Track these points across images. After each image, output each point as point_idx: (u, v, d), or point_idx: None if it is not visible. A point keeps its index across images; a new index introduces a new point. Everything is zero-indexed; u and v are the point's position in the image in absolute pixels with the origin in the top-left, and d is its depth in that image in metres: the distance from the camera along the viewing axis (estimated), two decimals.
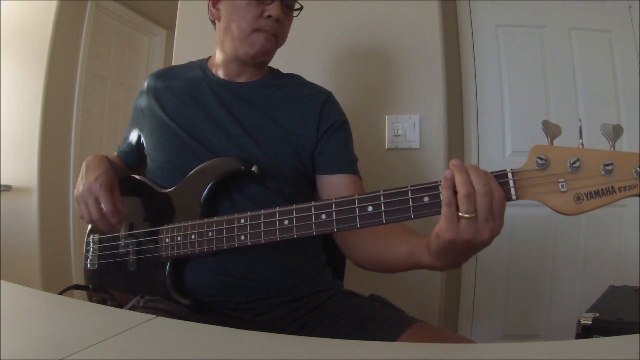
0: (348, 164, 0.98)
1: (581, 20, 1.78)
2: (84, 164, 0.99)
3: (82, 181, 0.95)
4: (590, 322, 1.02)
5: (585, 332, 1.02)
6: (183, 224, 0.85)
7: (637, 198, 0.56)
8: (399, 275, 1.49)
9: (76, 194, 0.94)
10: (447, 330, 0.89)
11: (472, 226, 0.60)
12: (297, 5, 1.00)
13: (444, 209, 0.61)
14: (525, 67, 1.78)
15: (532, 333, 1.78)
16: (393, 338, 0.76)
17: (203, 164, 0.89)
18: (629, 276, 1.61)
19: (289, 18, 0.99)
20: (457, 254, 0.65)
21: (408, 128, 1.48)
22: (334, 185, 0.95)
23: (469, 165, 0.62)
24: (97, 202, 0.90)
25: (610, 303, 1.18)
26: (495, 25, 1.80)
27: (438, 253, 0.66)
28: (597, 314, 1.03)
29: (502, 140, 1.79)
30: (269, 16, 0.91)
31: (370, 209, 0.66)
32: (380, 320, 0.82)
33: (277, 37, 0.95)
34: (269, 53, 0.97)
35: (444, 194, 0.61)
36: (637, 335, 0.50)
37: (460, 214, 0.60)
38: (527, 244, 1.78)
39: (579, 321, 1.03)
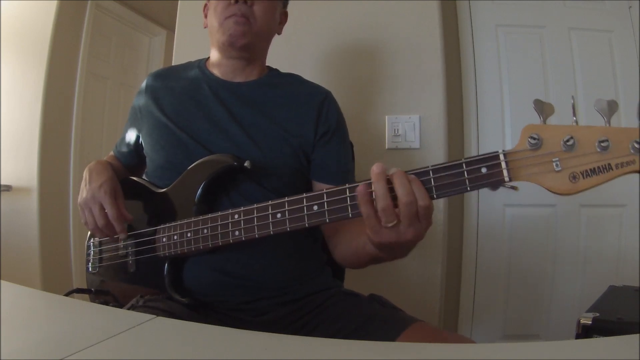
0: (343, 175, 0.98)
1: (581, 20, 1.78)
2: (86, 170, 0.98)
3: (85, 187, 0.95)
4: (590, 322, 1.02)
5: (585, 332, 1.02)
6: (179, 223, 0.85)
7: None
8: (399, 275, 1.49)
9: (80, 200, 0.95)
10: (447, 330, 0.89)
11: (394, 232, 0.62)
12: None
13: (365, 221, 0.63)
14: (525, 67, 1.78)
15: (532, 333, 1.78)
16: (393, 338, 0.76)
17: (197, 162, 0.89)
18: (629, 276, 1.61)
19: (264, 2, 0.97)
20: (393, 250, 0.68)
21: (408, 128, 1.48)
22: None
23: (395, 171, 0.62)
24: (102, 209, 0.91)
25: (610, 303, 1.18)
26: (495, 25, 1.81)
27: (376, 248, 0.69)
28: (597, 314, 1.03)
29: (502, 140, 1.79)
30: (236, 1, 0.93)
31: None
32: (380, 321, 0.82)
33: (249, 18, 0.94)
34: (244, 36, 0.94)
35: (363, 211, 0.63)
36: (637, 335, 0.50)
37: (381, 223, 0.62)
38: (527, 244, 1.78)
39: (579, 321, 1.03)
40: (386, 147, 1.50)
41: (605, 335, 0.95)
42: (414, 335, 0.76)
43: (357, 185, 0.65)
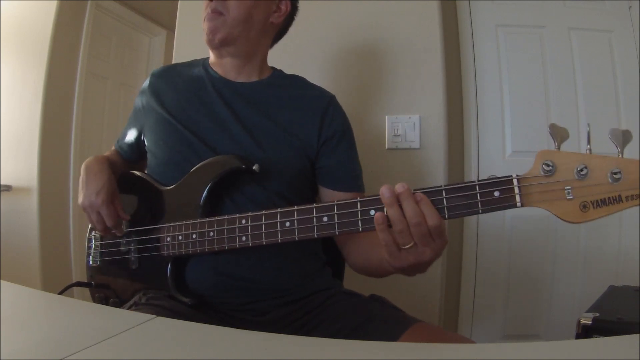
0: (353, 180, 0.99)
1: (581, 20, 1.78)
2: (83, 168, 0.98)
3: (82, 190, 0.95)
4: (590, 322, 1.02)
5: (585, 332, 1.02)
6: (184, 223, 0.85)
7: None
8: (399, 275, 1.49)
9: (79, 202, 0.95)
10: (447, 330, 0.89)
11: (412, 253, 0.64)
12: None
13: (384, 246, 0.65)
14: (525, 67, 1.78)
15: (532, 333, 1.78)
16: (393, 338, 0.76)
17: (204, 162, 0.89)
18: (629, 276, 1.60)
19: None
20: (412, 269, 0.69)
21: (408, 128, 1.48)
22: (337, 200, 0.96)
23: (403, 191, 0.62)
24: (100, 216, 0.92)
25: (610, 303, 1.18)
26: (495, 25, 1.80)
27: (395, 270, 0.70)
28: (597, 314, 1.03)
29: (502, 140, 1.78)
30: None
31: (372, 212, 0.66)
32: (380, 321, 0.82)
33: (222, 12, 0.93)
34: (217, 30, 0.94)
35: (380, 237, 0.64)
36: (637, 335, 0.50)
37: (399, 247, 0.64)
38: (527, 245, 1.78)
39: (579, 321, 1.03)
40: (386, 147, 1.50)
41: (605, 335, 0.95)
42: (415, 336, 0.76)
43: (369, 200, 0.66)
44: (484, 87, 1.79)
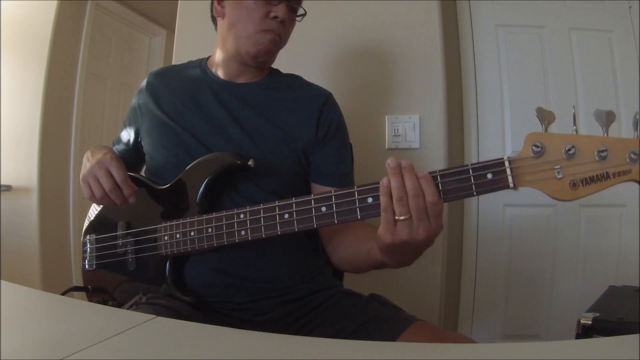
0: (340, 177, 0.98)
1: (581, 20, 1.78)
2: (87, 151, 0.95)
3: (88, 162, 0.90)
4: (590, 322, 1.02)
5: (585, 332, 1.02)
6: (182, 221, 0.85)
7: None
8: (399, 274, 1.49)
9: (83, 172, 0.90)
10: (447, 329, 0.89)
11: (407, 227, 0.63)
12: (300, 11, 1.00)
13: (382, 214, 0.64)
14: (525, 67, 1.78)
15: (532, 333, 1.78)
16: (393, 337, 0.76)
17: (198, 160, 0.89)
18: (629, 276, 1.61)
19: (292, 22, 1.00)
20: (401, 253, 0.68)
21: (408, 128, 1.48)
22: None
23: (406, 166, 0.64)
24: (109, 173, 0.86)
25: (610, 303, 1.18)
26: (495, 25, 1.80)
27: (384, 252, 0.69)
28: (597, 314, 1.03)
29: (502, 140, 1.78)
30: (275, 17, 0.92)
31: (370, 200, 0.67)
32: (380, 320, 0.82)
33: (281, 39, 0.96)
34: (271, 54, 0.97)
35: (381, 200, 0.64)
36: (637, 335, 0.50)
37: (395, 217, 0.63)
38: (527, 244, 1.78)
39: (579, 321, 1.03)
40: (386, 147, 1.50)
41: (605, 335, 0.95)
42: (415, 334, 0.76)
43: (366, 188, 0.67)
44: (484, 87, 1.79)
